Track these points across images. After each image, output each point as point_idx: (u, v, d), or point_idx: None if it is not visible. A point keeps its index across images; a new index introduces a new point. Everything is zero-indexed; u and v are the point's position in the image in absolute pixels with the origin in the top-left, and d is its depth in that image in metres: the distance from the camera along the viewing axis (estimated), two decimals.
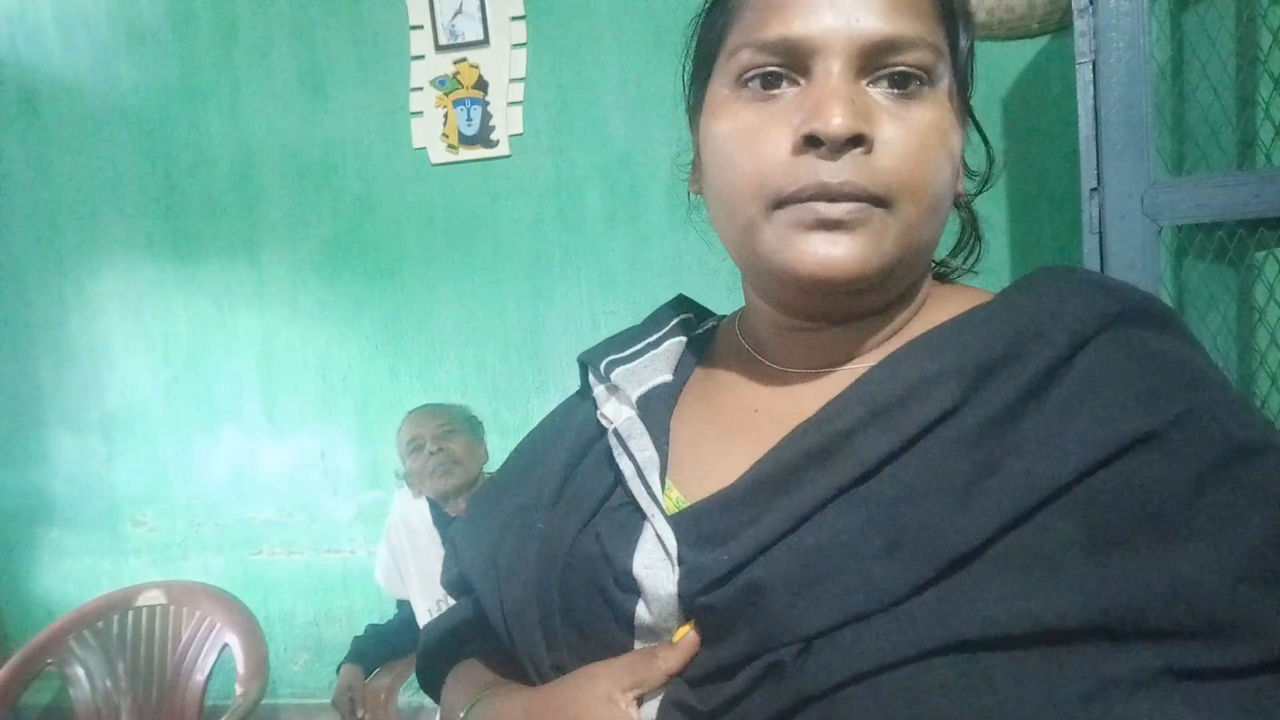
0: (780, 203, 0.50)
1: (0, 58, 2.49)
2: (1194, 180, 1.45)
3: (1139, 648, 0.41)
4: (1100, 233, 1.44)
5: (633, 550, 0.52)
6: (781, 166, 0.49)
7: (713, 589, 0.48)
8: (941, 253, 0.62)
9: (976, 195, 0.62)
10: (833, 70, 0.49)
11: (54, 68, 2.46)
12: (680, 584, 0.49)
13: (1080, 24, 1.40)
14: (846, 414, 0.50)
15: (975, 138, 0.60)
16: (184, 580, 2.29)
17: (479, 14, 2.20)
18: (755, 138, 0.51)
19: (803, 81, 0.50)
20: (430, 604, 1.91)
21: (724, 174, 0.53)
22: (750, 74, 0.51)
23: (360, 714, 1.85)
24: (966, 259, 0.63)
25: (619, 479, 0.57)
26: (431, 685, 0.70)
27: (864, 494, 0.47)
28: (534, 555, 0.57)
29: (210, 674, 2.07)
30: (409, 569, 1.97)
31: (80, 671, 2.05)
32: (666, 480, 0.56)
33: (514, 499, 0.63)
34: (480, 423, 2.02)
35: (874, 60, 0.49)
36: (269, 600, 2.49)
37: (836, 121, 0.47)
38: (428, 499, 1.96)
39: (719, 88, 0.54)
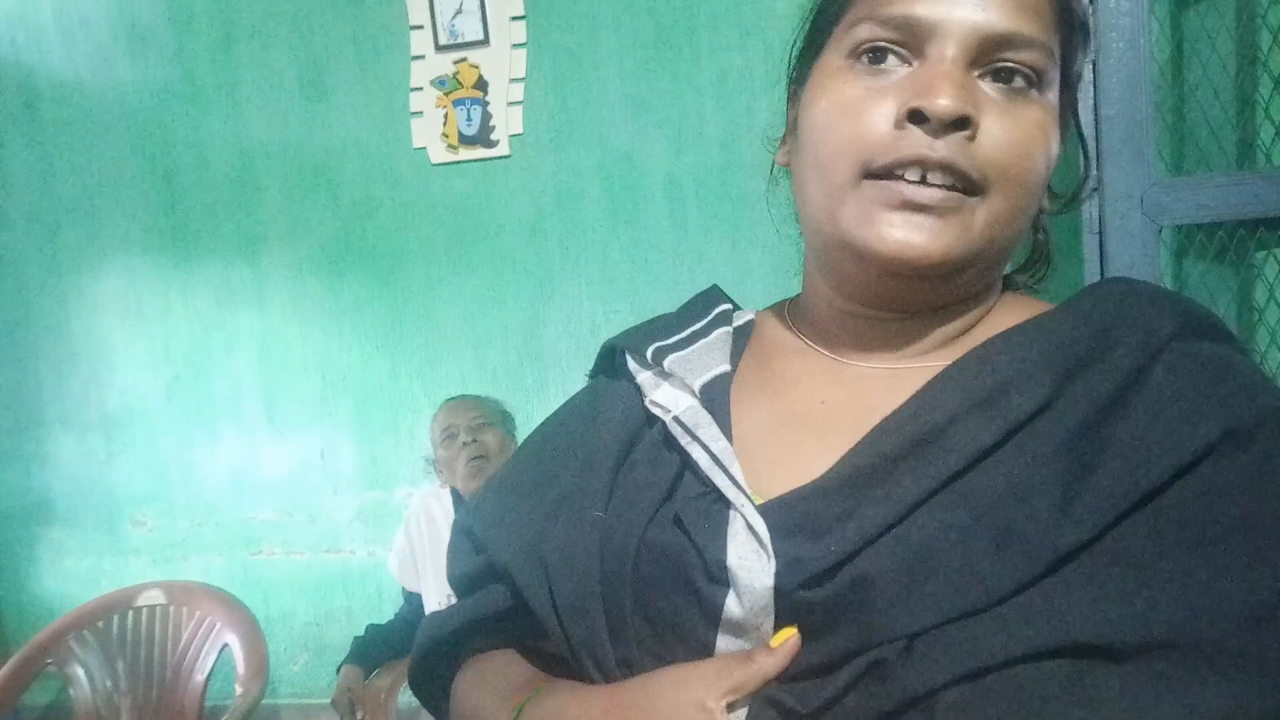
0: (872, 173, 0.50)
1: (0, 57, 2.49)
2: (1194, 180, 1.45)
3: (1244, 674, 0.40)
4: (1100, 233, 1.44)
5: (723, 540, 0.50)
6: (881, 137, 0.50)
7: (816, 583, 0.46)
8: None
9: (1061, 211, 0.62)
10: (946, 54, 0.50)
11: (54, 68, 2.46)
12: (779, 576, 0.47)
13: None
14: (942, 405, 0.49)
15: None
16: (184, 580, 2.29)
17: (479, 14, 2.20)
18: (860, 107, 0.51)
19: (915, 63, 0.51)
20: (442, 598, 1.91)
21: (822, 141, 0.53)
22: (865, 46, 0.52)
23: (360, 714, 1.85)
24: (1033, 276, 0.63)
25: (685, 467, 0.55)
26: (429, 683, 0.66)
27: (967, 488, 0.46)
28: (594, 546, 0.54)
29: (210, 674, 2.07)
30: (425, 561, 1.96)
31: (80, 671, 2.05)
32: None
33: (554, 489, 0.60)
34: (513, 418, 2.03)
35: (988, 53, 0.50)
36: (269, 600, 2.48)
37: (944, 101, 0.48)
38: (451, 490, 1.96)
39: (832, 58, 0.55)
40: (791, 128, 0.60)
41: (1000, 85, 0.51)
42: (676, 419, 0.57)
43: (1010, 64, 0.50)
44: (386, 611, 2.18)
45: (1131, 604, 0.41)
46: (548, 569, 0.55)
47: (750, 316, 0.68)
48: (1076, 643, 0.41)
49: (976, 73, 0.50)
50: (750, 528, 0.49)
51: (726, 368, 0.60)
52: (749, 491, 0.52)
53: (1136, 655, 0.41)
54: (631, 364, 0.63)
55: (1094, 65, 1.40)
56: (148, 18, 2.39)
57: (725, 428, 0.56)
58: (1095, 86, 1.41)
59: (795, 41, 0.61)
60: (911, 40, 0.51)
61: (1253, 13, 1.62)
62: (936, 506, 0.46)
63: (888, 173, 0.50)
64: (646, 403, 0.60)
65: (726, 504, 0.51)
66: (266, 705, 2.37)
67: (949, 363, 0.53)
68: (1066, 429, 0.46)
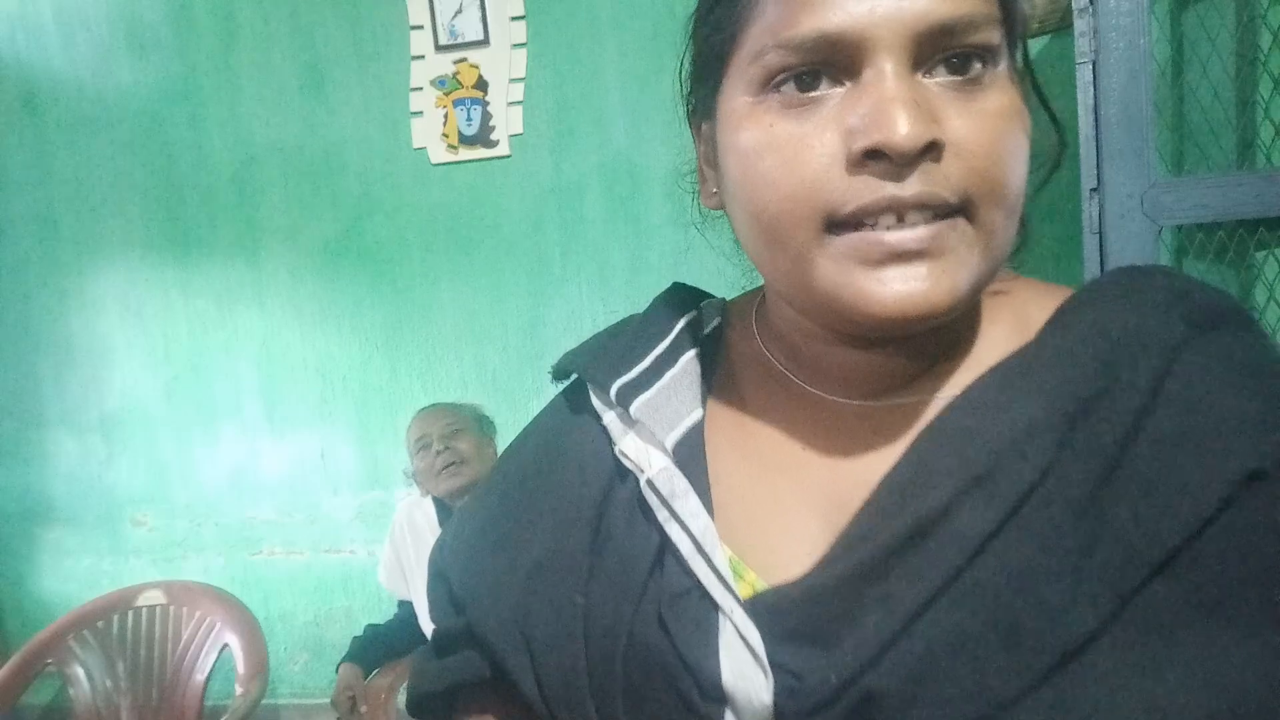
0: (837, 224, 0.42)
1: (0, 57, 2.49)
2: (1194, 180, 1.45)
3: None
4: (1100, 233, 1.43)
5: (714, 649, 0.45)
6: (835, 185, 0.42)
7: (820, 710, 0.42)
8: None
9: (1042, 186, 0.53)
10: (885, 69, 0.41)
11: (54, 68, 2.46)
12: (780, 699, 0.43)
13: (1080, 24, 1.40)
14: (939, 484, 0.43)
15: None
16: (184, 580, 2.29)
17: (479, 14, 2.20)
18: (798, 151, 0.42)
19: (848, 82, 0.42)
20: None
21: (760, 196, 0.44)
22: (781, 77, 0.43)
23: (360, 712, 1.84)
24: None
25: (664, 543, 0.50)
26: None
27: (970, 582, 0.41)
28: (578, 634, 0.50)
29: (210, 674, 2.06)
30: (412, 570, 1.96)
31: (80, 671, 2.05)
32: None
33: (528, 552, 0.55)
34: (491, 421, 2.02)
35: (931, 47, 0.41)
36: (269, 600, 2.49)
37: (903, 131, 0.39)
38: (433, 499, 1.96)
39: (738, 96, 0.45)
40: (708, 163, 0.53)
41: (954, 78, 0.42)
42: (650, 483, 0.51)
43: (959, 51, 0.42)
44: (386, 611, 2.18)
45: (1149, 691, 0.39)
46: (532, 654, 0.52)
47: (717, 320, 0.61)
48: None
49: (920, 73, 0.42)
50: (740, 634, 0.45)
51: (699, 414, 0.54)
52: (733, 582, 0.47)
53: None
54: (596, 401, 0.57)
55: (1094, 65, 1.40)
56: (148, 18, 2.39)
57: (703, 492, 0.51)
58: (1095, 86, 1.41)
59: (682, 63, 0.53)
60: (838, 59, 0.42)
61: (1253, 13, 1.62)
62: (940, 608, 0.41)
63: (856, 222, 0.42)
64: (616, 451, 0.54)
65: (713, 603, 0.47)
66: (266, 705, 2.37)
67: (933, 396, 0.48)
68: (1074, 496, 0.41)
